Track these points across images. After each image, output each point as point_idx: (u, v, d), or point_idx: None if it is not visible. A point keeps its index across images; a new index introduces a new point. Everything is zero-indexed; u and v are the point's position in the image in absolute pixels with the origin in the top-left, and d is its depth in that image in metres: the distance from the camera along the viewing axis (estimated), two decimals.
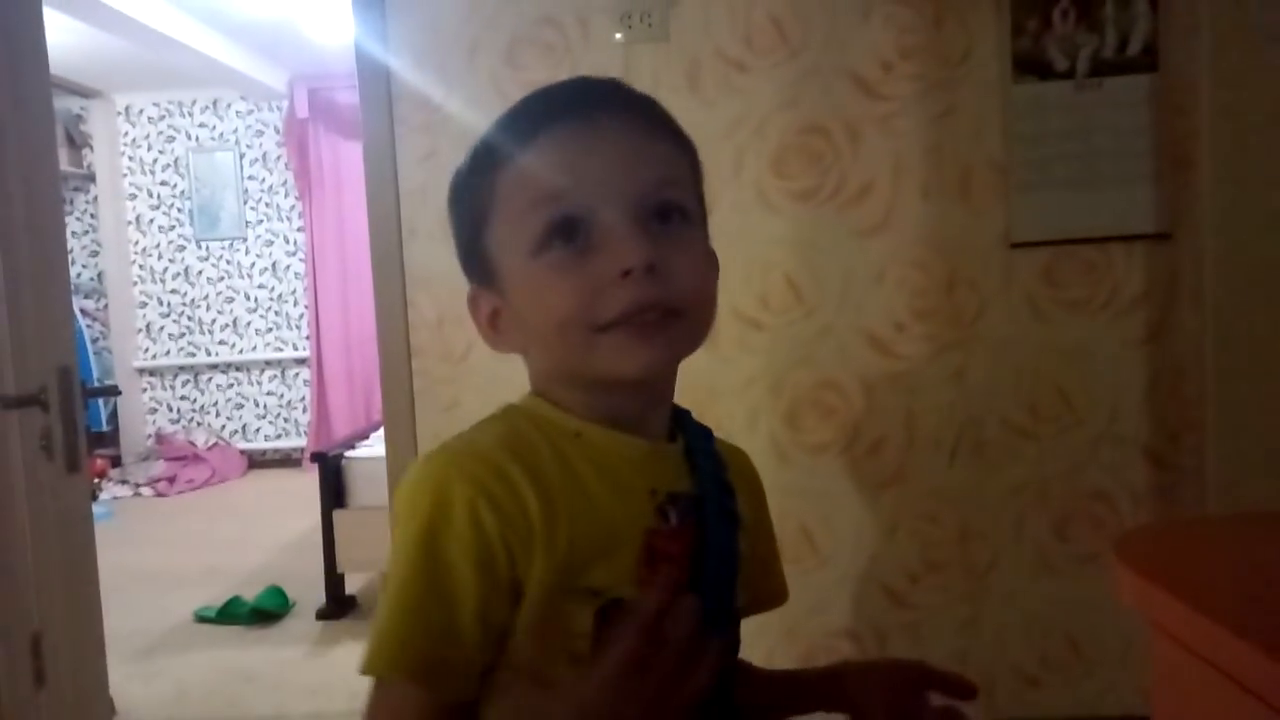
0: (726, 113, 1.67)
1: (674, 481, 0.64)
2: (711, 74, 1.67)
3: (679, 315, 0.59)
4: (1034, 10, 1.58)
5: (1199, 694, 0.73)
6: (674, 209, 0.61)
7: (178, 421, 5.94)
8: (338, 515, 3.21)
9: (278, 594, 3.34)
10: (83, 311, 5.66)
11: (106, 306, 5.84)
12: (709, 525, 0.64)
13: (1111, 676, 1.66)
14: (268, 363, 5.92)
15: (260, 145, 5.79)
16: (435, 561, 0.56)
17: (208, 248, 5.86)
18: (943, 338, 1.65)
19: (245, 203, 5.82)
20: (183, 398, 5.96)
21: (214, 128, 5.81)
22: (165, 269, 5.88)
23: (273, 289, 5.88)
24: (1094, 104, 1.58)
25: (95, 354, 5.73)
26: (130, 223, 5.86)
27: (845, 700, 0.71)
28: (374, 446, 3.36)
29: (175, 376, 5.96)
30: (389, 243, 1.75)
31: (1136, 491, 1.63)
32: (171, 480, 5.44)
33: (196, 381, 5.96)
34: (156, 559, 4.04)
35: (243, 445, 5.88)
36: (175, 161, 5.83)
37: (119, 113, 5.79)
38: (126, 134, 5.82)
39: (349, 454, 3.36)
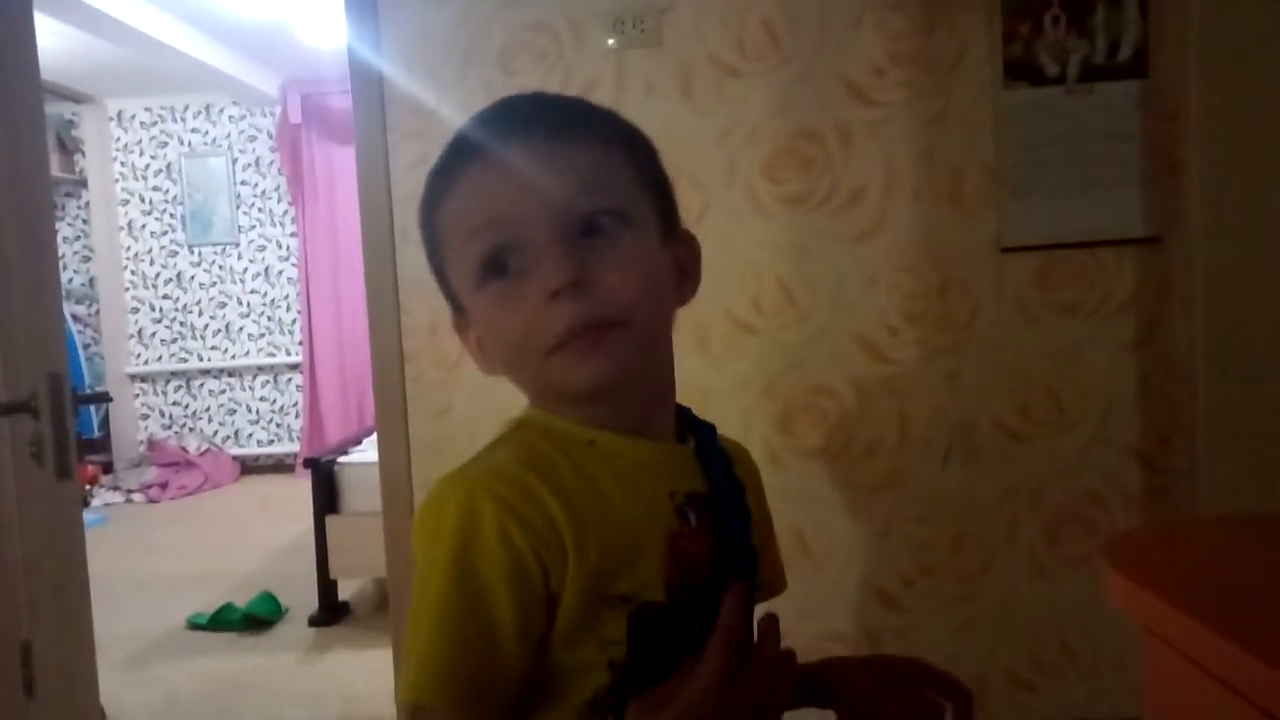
0: (719, 118, 1.67)
1: (689, 482, 0.65)
2: (704, 79, 1.67)
3: (619, 325, 0.59)
4: (1025, 16, 1.59)
5: (1191, 697, 0.73)
6: (603, 216, 0.60)
7: (170, 427, 5.91)
8: (330, 521, 3.20)
9: (270, 600, 3.33)
10: (74, 317, 5.64)
11: (98, 312, 5.82)
12: (727, 523, 0.65)
13: (1104, 680, 1.67)
14: (260, 368, 5.91)
15: (253, 150, 5.78)
16: (470, 584, 0.55)
17: (200, 253, 5.85)
18: (935, 342, 1.65)
19: (238, 208, 5.81)
20: (175, 403, 5.94)
21: (206, 133, 5.80)
22: (157, 274, 5.87)
23: (265, 294, 5.87)
24: (1085, 109, 1.58)
25: (87, 360, 5.71)
26: (122, 228, 5.84)
27: (831, 695, 0.72)
28: (367, 452, 3.35)
29: (167, 382, 5.94)
30: (381, 248, 1.74)
31: (1128, 494, 1.64)
32: (164, 486, 5.42)
33: (189, 387, 5.94)
34: (149, 565, 4.02)
35: (235, 451, 5.86)
36: (167, 167, 5.81)
37: (111, 118, 5.78)
38: (118, 139, 5.81)
39: (342, 460, 3.35)
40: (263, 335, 5.89)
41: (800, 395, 1.68)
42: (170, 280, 5.87)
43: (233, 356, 5.90)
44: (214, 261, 5.85)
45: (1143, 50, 1.58)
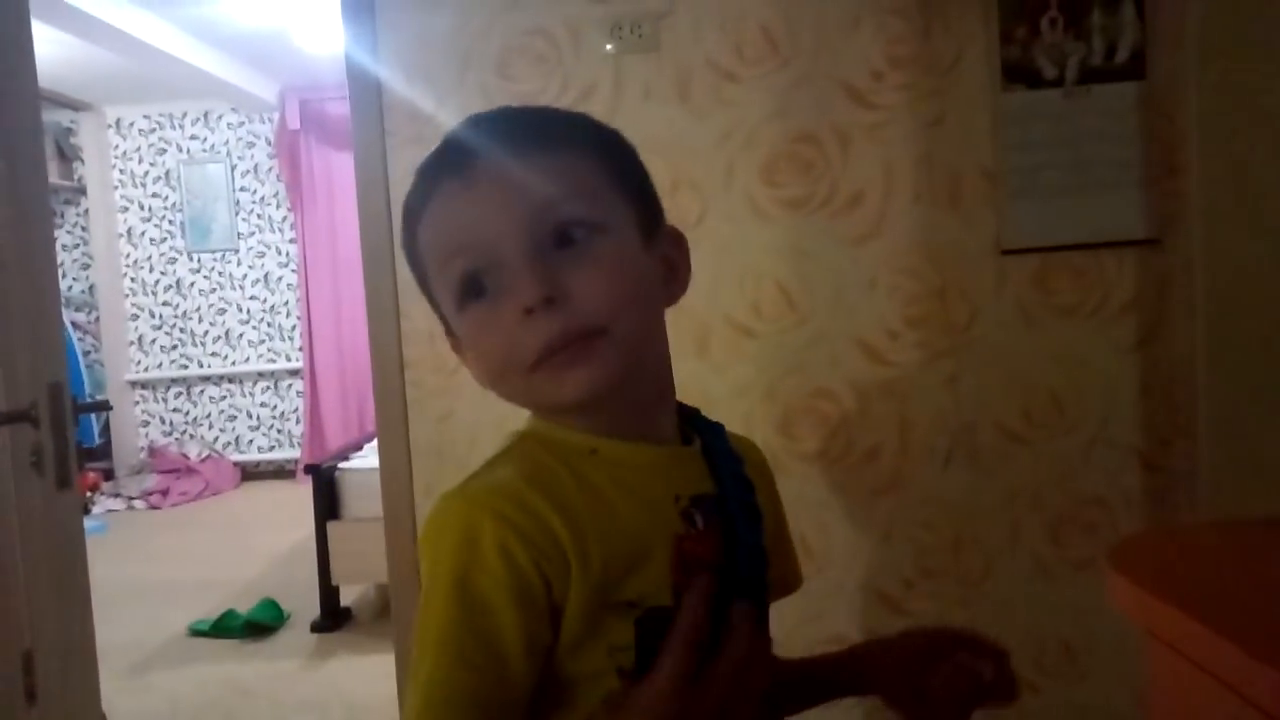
0: (717, 122, 1.68)
1: (695, 484, 0.65)
2: (702, 84, 1.68)
3: (599, 334, 0.59)
4: (1022, 18, 1.59)
5: (1195, 700, 0.73)
6: (575, 226, 0.60)
7: (170, 434, 5.91)
8: (332, 527, 3.21)
9: (272, 607, 3.33)
10: (74, 325, 5.64)
11: (98, 319, 5.82)
12: (737, 524, 0.65)
13: (1107, 682, 1.66)
14: (260, 374, 5.91)
15: (252, 157, 5.79)
16: (473, 605, 0.56)
17: (199, 259, 5.85)
18: (935, 345, 1.65)
19: (237, 214, 5.82)
20: (175, 410, 5.94)
21: (205, 140, 5.81)
22: (157, 281, 5.87)
23: (265, 300, 5.87)
24: (1083, 111, 1.58)
25: (87, 367, 5.71)
26: (121, 235, 5.84)
27: (869, 681, 0.72)
28: (368, 458, 3.35)
29: (168, 389, 5.94)
30: (381, 254, 1.74)
31: (1130, 496, 1.64)
32: (165, 493, 5.42)
33: (189, 394, 5.95)
34: (150, 572, 4.02)
35: (236, 457, 5.86)
36: (166, 174, 5.82)
37: (109, 125, 5.79)
38: (117, 147, 5.82)
39: (342, 465, 3.35)
40: (263, 341, 5.90)
41: (801, 399, 1.68)
42: (170, 287, 5.87)
43: (233, 363, 5.90)
44: (213, 268, 5.86)
45: (1140, 52, 1.58)
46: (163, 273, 5.86)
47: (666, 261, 0.66)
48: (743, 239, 1.68)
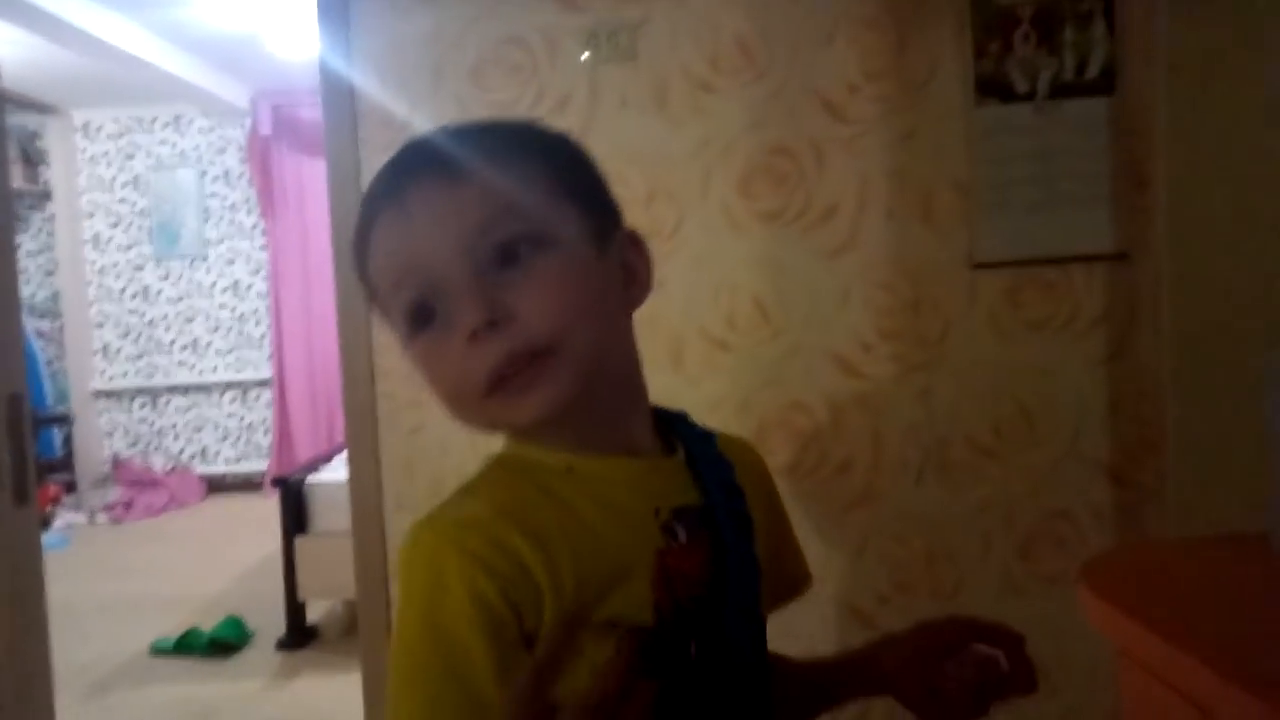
0: (694, 133, 1.67)
1: (678, 495, 0.64)
2: (679, 94, 1.67)
3: (548, 353, 0.58)
4: (995, 33, 1.60)
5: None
6: (518, 242, 0.58)
7: (135, 445, 5.81)
8: (299, 541, 3.15)
9: (236, 624, 3.26)
10: (37, 332, 5.53)
11: (62, 327, 5.72)
12: (724, 535, 0.64)
13: (1077, 698, 1.66)
14: (229, 384, 5.83)
15: (222, 162, 5.72)
16: (443, 641, 0.55)
17: (168, 266, 5.77)
18: (909, 358, 1.65)
19: (206, 221, 5.74)
20: (141, 421, 5.83)
21: (175, 144, 5.74)
22: (123, 288, 5.77)
23: (234, 309, 5.79)
24: (1054, 126, 1.60)
25: (50, 376, 5.60)
26: (87, 241, 5.75)
27: (879, 682, 0.71)
28: (337, 470, 3.30)
29: (133, 399, 5.83)
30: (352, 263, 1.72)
31: (1099, 510, 1.64)
32: (128, 506, 5.31)
33: (155, 404, 5.84)
34: (112, 589, 3.93)
35: (202, 469, 5.77)
36: (135, 179, 5.74)
37: (77, 129, 5.70)
38: (85, 150, 5.73)
39: (311, 478, 3.30)
40: (231, 350, 5.81)
41: (775, 412, 1.67)
42: (136, 294, 5.78)
43: (200, 372, 5.81)
44: (181, 275, 5.78)
45: (1111, 68, 1.59)
46: (129, 280, 5.77)
47: (625, 266, 0.65)
48: (718, 250, 1.67)
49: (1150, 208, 1.58)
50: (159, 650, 3.19)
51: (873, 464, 1.67)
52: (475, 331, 0.57)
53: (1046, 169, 1.60)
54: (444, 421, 1.69)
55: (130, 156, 5.73)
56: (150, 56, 4.27)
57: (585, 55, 1.68)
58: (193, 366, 5.81)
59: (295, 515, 3.18)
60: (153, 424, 5.83)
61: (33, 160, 5.67)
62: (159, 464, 5.64)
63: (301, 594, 3.17)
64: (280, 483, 3.27)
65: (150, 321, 5.78)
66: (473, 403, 0.59)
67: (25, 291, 5.60)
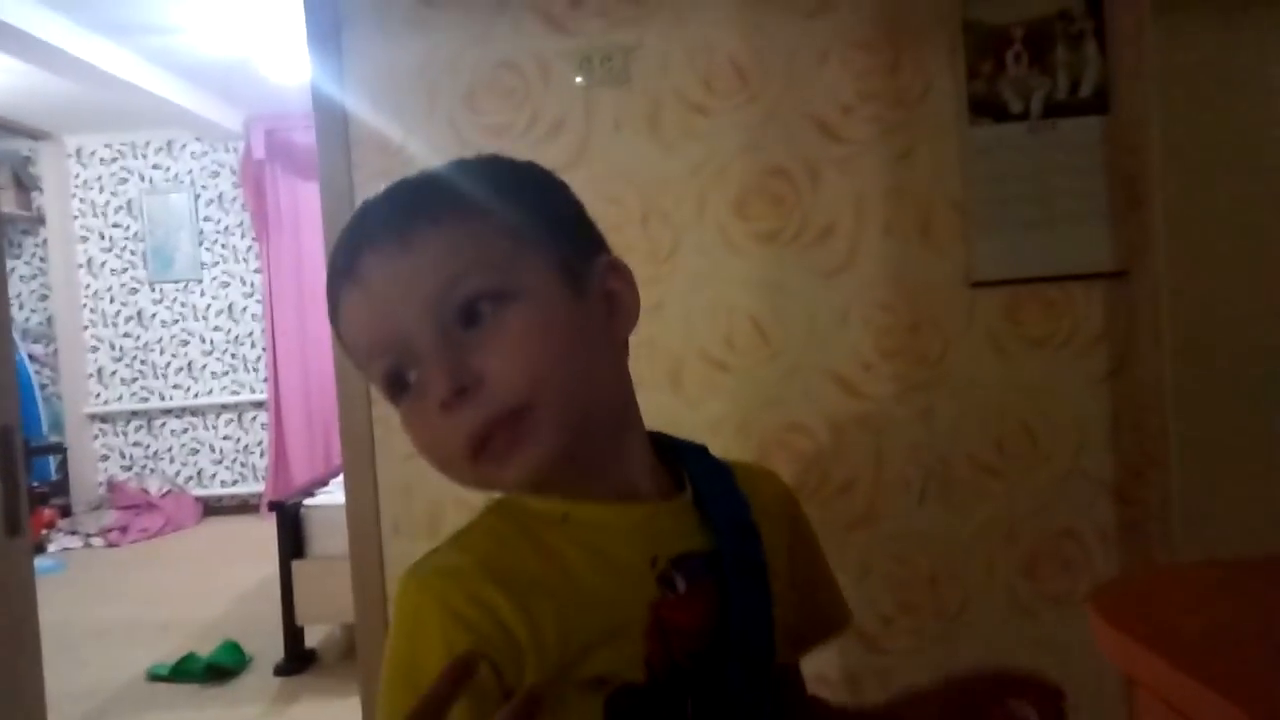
0: (688, 156, 1.67)
1: (680, 541, 0.61)
2: (672, 117, 1.67)
3: (526, 410, 0.56)
4: (987, 53, 1.61)
5: None
6: (479, 300, 0.56)
7: (130, 468, 5.77)
8: (296, 566, 3.13)
9: (234, 649, 3.23)
10: (31, 357, 5.51)
11: (56, 351, 5.69)
12: (730, 583, 0.60)
13: (1084, 716, 1.65)
14: (224, 406, 5.80)
15: (216, 186, 5.72)
16: (418, 695, 0.54)
17: (161, 290, 5.75)
18: (909, 377, 1.65)
19: (201, 244, 5.74)
20: (136, 444, 5.80)
21: (168, 169, 5.74)
22: (118, 312, 5.76)
23: (229, 331, 5.78)
24: (1049, 145, 1.60)
25: (44, 400, 5.57)
26: (81, 265, 5.74)
27: None
28: (334, 494, 3.28)
29: (128, 422, 5.80)
30: None
31: (1103, 529, 1.64)
32: (124, 530, 5.27)
33: (150, 427, 5.81)
34: (108, 614, 3.90)
35: (198, 492, 5.74)
36: (128, 203, 5.73)
37: (70, 154, 5.70)
38: (77, 176, 5.72)
39: (308, 502, 3.28)
40: (226, 373, 5.79)
41: (775, 433, 1.67)
42: (131, 318, 5.76)
43: (195, 395, 5.79)
44: (176, 299, 5.76)
45: (1103, 87, 1.60)
46: (123, 304, 5.75)
47: (608, 297, 0.62)
48: (715, 272, 1.67)
49: (1147, 224, 1.58)
50: (156, 676, 3.16)
51: (874, 484, 1.66)
52: (446, 401, 0.55)
53: (1043, 187, 1.60)
54: None
55: (123, 181, 5.72)
56: (143, 82, 4.28)
57: (579, 79, 1.69)
58: (188, 389, 5.78)
59: (292, 540, 3.16)
60: (148, 447, 5.80)
61: (26, 185, 5.67)
62: (154, 487, 5.60)
63: (299, 618, 3.14)
64: (277, 507, 3.25)
65: (145, 345, 5.76)
66: (459, 468, 0.58)
67: (19, 316, 5.58)
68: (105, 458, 5.78)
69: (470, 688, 0.52)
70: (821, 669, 1.66)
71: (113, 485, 5.65)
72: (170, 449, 5.80)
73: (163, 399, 5.77)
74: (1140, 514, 1.63)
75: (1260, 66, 1.52)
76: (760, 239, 1.67)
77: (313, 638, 3.26)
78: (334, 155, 1.73)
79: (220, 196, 5.72)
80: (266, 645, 3.22)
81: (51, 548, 5.08)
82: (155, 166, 5.73)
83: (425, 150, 1.68)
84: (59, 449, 5.09)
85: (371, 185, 1.69)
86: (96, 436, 5.78)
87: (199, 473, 5.80)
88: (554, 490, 0.60)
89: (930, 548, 1.66)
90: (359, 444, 1.75)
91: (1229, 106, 1.51)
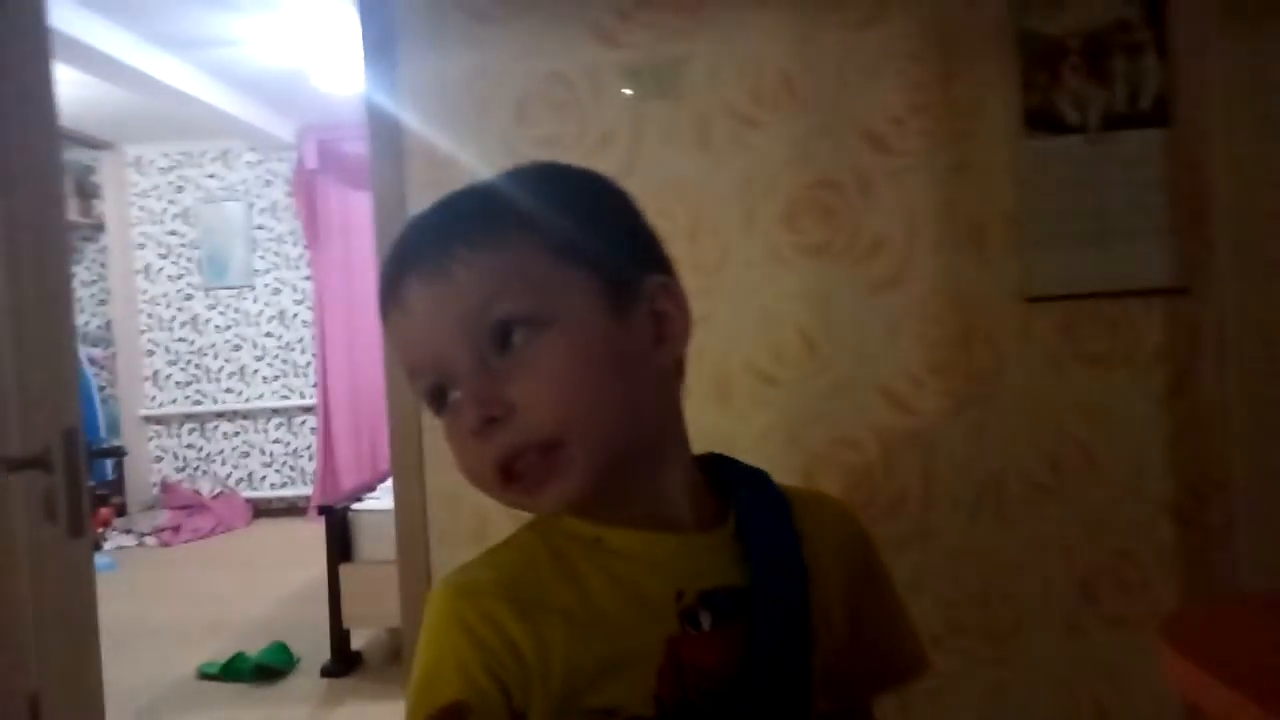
0: (737, 168, 1.67)
1: (713, 576, 0.59)
2: (721, 129, 1.67)
3: (556, 445, 0.55)
4: (1043, 65, 1.58)
5: None
6: (513, 325, 0.55)
7: (183, 470, 5.91)
8: (344, 569, 3.18)
9: (282, 650, 3.29)
10: (90, 360, 5.67)
11: (114, 355, 5.86)
12: (758, 624, 0.58)
13: None
14: (274, 411, 5.92)
15: (269, 195, 5.85)
16: (431, 709, 0.55)
17: (216, 296, 5.89)
18: (960, 393, 1.62)
19: (254, 252, 5.86)
20: (189, 446, 5.94)
21: (223, 178, 5.88)
22: (173, 317, 5.91)
23: (280, 337, 5.90)
24: (1107, 158, 1.57)
25: (102, 402, 5.73)
26: (139, 272, 5.90)
27: None
28: (381, 499, 3.33)
29: (181, 425, 5.95)
30: None
31: (1162, 551, 1.59)
32: (176, 530, 5.40)
33: (203, 430, 5.95)
34: (160, 612, 3.99)
35: (248, 494, 5.85)
36: (185, 211, 5.89)
37: (129, 163, 5.87)
38: (136, 184, 5.89)
39: (356, 506, 3.32)
40: (277, 378, 5.91)
41: (823, 447, 1.65)
42: (186, 323, 5.91)
43: (247, 399, 5.91)
44: (229, 305, 5.90)
45: (1163, 99, 1.56)
46: (179, 309, 5.90)
47: (656, 319, 0.60)
48: (763, 284, 1.66)
49: (1209, 240, 1.54)
50: (206, 674, 3.23)
51: (925, 501, 1.63)
52: (474, 429, 0.56)
53: (1100, 201, 1.56)
54: None
55: (180, 190, 5.88)
56: (200, 94, 4.39)
57: (628, 91, 1.69)
58: (239, 393, 5.91)
59: (340, 543, 3.20)
60: (200, 449, 5.94)
61: (87, 194, 5.85)
62: (206, 488, 5.73)
63: (346, 621, 3.18)
64: (326, 511, 3.30)
65: (199, 349, 5.90)
66: (491, 490, 0.58)
67: (79, 320, 5.75)
68: (159, 459, 5.93)
69: (479, 708, 0.53)
70: None
71: (166, 486, 5.79)
72: (222, 451, 5.93)
73: (215, 402, 5.91)
74: (1201, 538, 1.58)
75: None
76: (809, 252, 1.66)
77: (359, 640, 3.31)
78: (386, 167, 1.76)
79: (273, 205, 5.84)
80: (314, 647, 3.27)
81: (106, 546, 5.22)
82: (211, 176, 5.88)
83: (476, 161, 1.70)
84: (120, 452, 5.23)
85: (423, 196, 1.72)
86: (151, 438, 5.93)
87: (249, 475, 5.92)
88: (588, 513, 0.59)
89: (982, 567, 1.63)
90: (408, 452, 1.77)
91: None
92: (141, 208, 5.89)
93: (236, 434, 5.93)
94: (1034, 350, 1.61)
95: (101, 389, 5.78)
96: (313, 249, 5.64)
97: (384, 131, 1.76)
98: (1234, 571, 1.51)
